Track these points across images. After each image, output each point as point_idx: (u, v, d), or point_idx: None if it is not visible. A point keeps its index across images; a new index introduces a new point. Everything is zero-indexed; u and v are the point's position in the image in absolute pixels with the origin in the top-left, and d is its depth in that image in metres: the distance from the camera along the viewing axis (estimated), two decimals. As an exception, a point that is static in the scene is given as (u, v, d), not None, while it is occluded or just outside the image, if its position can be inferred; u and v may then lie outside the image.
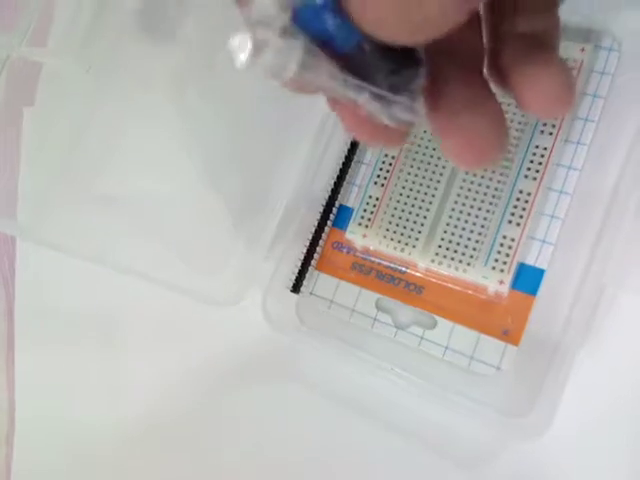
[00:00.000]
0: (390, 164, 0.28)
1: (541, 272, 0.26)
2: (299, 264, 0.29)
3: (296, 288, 0.29)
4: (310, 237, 0.29)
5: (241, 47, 0.13)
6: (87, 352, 0.31)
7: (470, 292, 0.27)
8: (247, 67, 0.13)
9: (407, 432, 0.27)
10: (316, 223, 0.29)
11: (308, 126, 0.30)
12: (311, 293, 0.29)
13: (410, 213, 0.27)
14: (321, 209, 0.29)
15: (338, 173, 0.29)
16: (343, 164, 0.29)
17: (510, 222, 0.26)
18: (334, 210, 0.29)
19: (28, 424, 0.31)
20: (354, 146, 0.30)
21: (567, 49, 0.27)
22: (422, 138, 0.28)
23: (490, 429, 0.25)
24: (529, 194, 0.26)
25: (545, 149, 0.26)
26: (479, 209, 0.26)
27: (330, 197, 0.29)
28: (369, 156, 0.29)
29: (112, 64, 0.29)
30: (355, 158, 0.30)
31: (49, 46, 0.28)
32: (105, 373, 0.31)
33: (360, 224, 0.28)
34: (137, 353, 0.30)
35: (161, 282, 0.28)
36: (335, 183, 0.29)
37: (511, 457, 0.25)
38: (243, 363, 0.29)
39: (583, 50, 0.27)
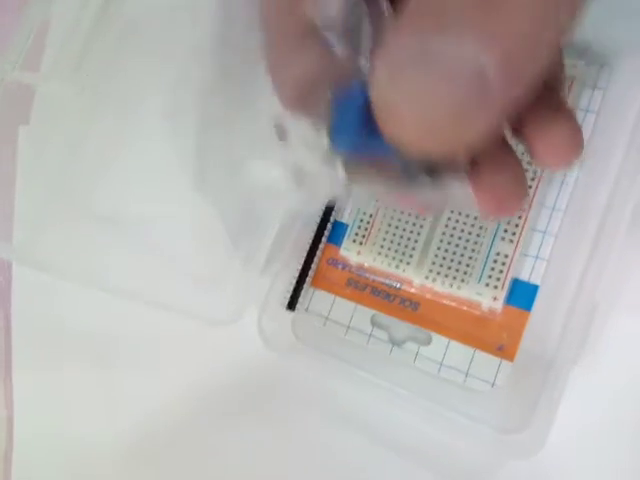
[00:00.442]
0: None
1: (535, 288, 0.26)
2: (294, 281, 0.29)
3: (291, 305, 0.29)
4: (305, 254, 0.29)
5: (283, 180, 0.14)
6: (84, 370, 0.31)
7: (465, 308, 0.27)
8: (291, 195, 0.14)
9: (403, 449, 0.27)
10: (311, 240, 0.29)
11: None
12: (307, 310, 0.29)
13: (404, 230, 0.27)
14: (316, 226, 0.29)
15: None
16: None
17: (503, 239, 0.26)
18: (329, 226, 0.30)
19: (26, 441, 0.31)
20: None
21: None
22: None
23: (486, 446, 0.26)
24: (522, 210, 0.26)
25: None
26: (472, 226, 0.26)
27: (325, 214, 0.29)
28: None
29: (105, 85, 0.29)
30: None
31: (42, 70, 0.28)
32: (102, 391, 0.31)
33: (354, 241, 0.28)
34: (134, 371, 0.31)
35: (157, 303, 0.28)
36: (328, 204, 0.29)
37: (507, 474, 0.25)
38: (239, 381, 0.29)
39: (575, 66, 0.27)
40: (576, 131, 0.17)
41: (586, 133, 0.27)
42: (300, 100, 0.15)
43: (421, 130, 0.12)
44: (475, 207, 0.16)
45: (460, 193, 0.15)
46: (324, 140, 0.14)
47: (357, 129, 0.13)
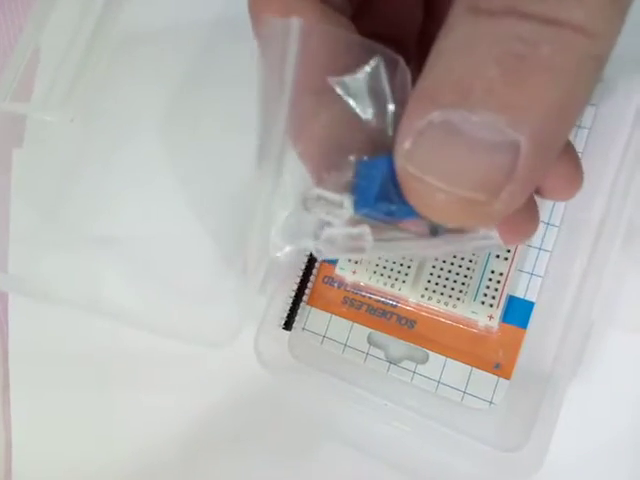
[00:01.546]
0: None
1: (530, 305, 0.26)
2: (290, 301, 0.29)
3: (288, 325, 0.29)
4: (301, 273, 0.29)
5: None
6: (82, 393, 0.31)
7: (461, 326, 0.27)
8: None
9: (402, 467, 0.27)
10: (306, 259, 0.29)
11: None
12: (303, 329, 0.29)
13: (399, 248, 0.27)
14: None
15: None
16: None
17: (498, 256, 0.26)
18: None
19: (25, 464, 0.31)
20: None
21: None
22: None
23: (484, 464, 0.25)
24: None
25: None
26: (467, 244, 0.26)
27: (320, 232, 0.29)
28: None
29: (98, 109, 0.29)
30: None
31: (32, 100, 0.28)
32: (99, 413, 0.31)
33: (350, 260, 0.28)
34: (131, 394, 0.31)
35: (153, 329, 0.28)
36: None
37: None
38: (236, 402, 0.29)
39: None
40: (579, 165, 0.17)
41: (579, 149, 0.27)
42: (324, 160, 0.15)
43: (448, 204, 0.12)
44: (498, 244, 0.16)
45: (487, 242, 0.15)
46: (349, 205, 0.14)
47: (381, 195, 0.13)
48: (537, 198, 0.18)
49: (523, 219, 0.17)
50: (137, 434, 0.30)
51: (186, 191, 0.30)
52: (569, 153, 0.17)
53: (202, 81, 0.30)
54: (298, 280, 0.29)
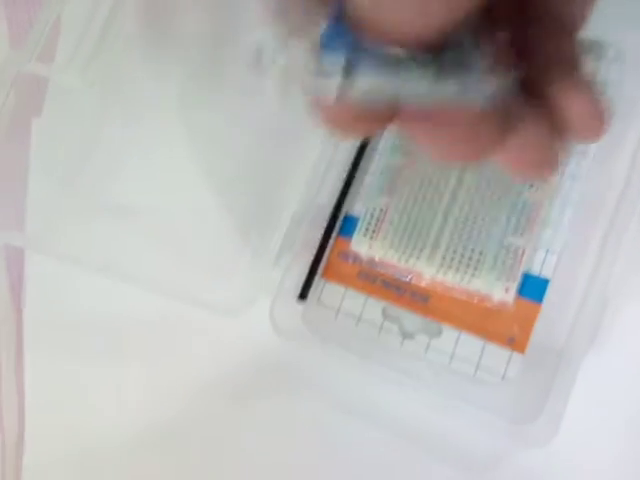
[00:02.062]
0: (396, 173, 0.28)
1: (546, 281, 0.26)
2: (306, 272, 0.29)
3: (303, 295, 0.29)
4: (317, 246, 0.29)
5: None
6: (96, 359, 0.31)
7: (476, 301, 0.27)
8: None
9: (414, 439, 0.27)
10: (322, 232, 0.30)
11: (314, 137, 0.30)
12: (318, 301, 0.29)
13: (416, 223, 0.28)
14: (327, 218, 0.30)
15: (344, 183, 0.30)
16: (349, 174, 0.30)
17: (515, 231, 0.26)
18: (340, 219, 0.30)
19: (37, 430, 0.31)
20: (360, 156, 0.30)
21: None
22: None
23: (497, 437, 0.26)
24: (533, 204, 0.26)
25: (549, 159, 0.26)
26: (484, 219, 0.27)
27: (336, 207, 0.30)
28: (374, 166, 0.30)
29: (119, 78, 0.29)
30: (361, 168, 0.30)
31: (56, 62, 0.28)
32: (114, 379, 0.31)
33: (365, 235, 0.28)
34: (145, 361, 0.31)
35: (169, 292, 0.28)
36: (341, 193, 0.30)
37: (518, 464, 0.26)
38: (250, 371, 0.30)
39: (586, 62, 0.27)
40: (599, 101, 0.17)
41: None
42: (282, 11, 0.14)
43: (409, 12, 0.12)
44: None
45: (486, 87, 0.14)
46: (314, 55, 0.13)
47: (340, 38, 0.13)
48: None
49: (533, 146, 0.16)
50: (151, 398, 0.30)
51: (204, 162, 0.30)
52: (586, 82, 0.17)
53: (222, 52, 0.30)
54: (313, 253, 0.29)
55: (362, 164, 0.30)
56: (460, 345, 0.27)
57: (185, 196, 0.30)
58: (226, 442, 0.29)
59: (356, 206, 0.30)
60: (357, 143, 0.30)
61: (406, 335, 0.28)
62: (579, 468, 0.25)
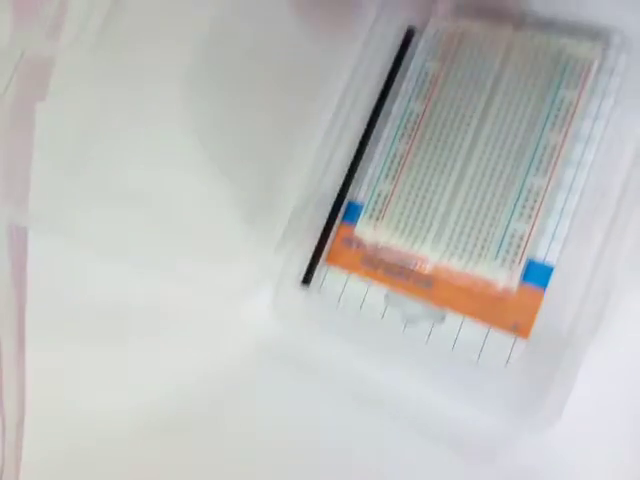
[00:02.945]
0: (400, 159, 0.28)
1: (550, 268, 0.26)
2: (309, 258, 0.29)
3: (306, 281, 0.29)
4: (320, 232, 0.29)
5: None
6: (99, 344, 0.31)
7: (479, 286, 0.27)
8: None
9: (416, 426, 0.27)
10: (326, 218, 0.29)
11: (319, 122, 0.30)
12: (320, 287, 0.29)
13: (420, 208, 0.28)
14: (331, 204, 0.30)
15: (348, 168, 0.30)
16: (353, 160, 0.30)
17: (520, 217, 0.26)
18: (344, 205, 0.30)
19: (38, 415, 0.31)
20: (364, 142, 0.30)
21: (576, 47, 0.27)
22: (432, 134, 0.28)
23: (500, 422, 0.26)
24: (539, 189, 0.26)
25: (555, 145, 0.26)
26: (489, 204, 0.27)
27: (340, 192, 0.30)
28: (379, 153, 0.30)
29: (125, 60, 0.29)
30: (365, 154, 0.30)
31: (62, 41, 0.28)
32: (116, 365, 0.31)
33: (370, 219, 0.28)
34: (148, 345, 0.31)
35: (171, 276, 0.28)
36: (345, 178, 0.30)
37: (521, 450, 0.26)
38: (252, 357, 0.29)
39: (593, 48, 0.27)
40: None
41: (603, 116, 0.27)
42: None
43: None
44: None
45: None
46: None
47: None
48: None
49: None
50: (153, 382, 0.30)
51: (208, 146, 0.30)
52: None
53: (229, 35, 0.30)
54: (317, 239, 0.29)
55: (367, 151, 0.30)
56: (463, 331, 0.27)
57: (188, 181, 0.30)
58: (227, 427, 0.29)
59: (360, 193, 0.30)
60: (362, 129, 0.30)
61: (409, 321, 0.28)
62: (582, 454, 0.25)
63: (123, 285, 0.31)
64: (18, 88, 0.29)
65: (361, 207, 0.29)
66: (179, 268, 0.28)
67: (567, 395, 0.24)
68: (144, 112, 0.30)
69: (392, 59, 0.30)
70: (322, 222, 0.30)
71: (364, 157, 0.30)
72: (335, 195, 0.30)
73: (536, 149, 0.26)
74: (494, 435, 0.26)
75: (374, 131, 0.30)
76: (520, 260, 0.26)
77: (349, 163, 0.30)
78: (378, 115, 0.30)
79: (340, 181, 0.30)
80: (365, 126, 0.30)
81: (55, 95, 0.30)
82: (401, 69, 0.30)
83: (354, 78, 0.30)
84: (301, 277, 0.29)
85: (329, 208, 0.30)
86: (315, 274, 0.29)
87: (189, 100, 0.30)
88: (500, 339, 0.26)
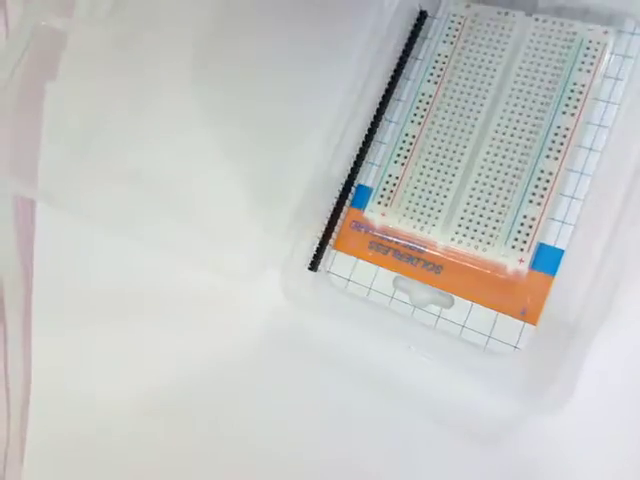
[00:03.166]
0: (411, 143, 0.28)
1: (560, 252, 0.26)
2: (317, 242, 0.29)
3: (314, 266, 0.29)
4: (328, 216, 0.29)
5: None
6: (106, 325, 0.31)
7: (489, 271, 0.27)
8: None
9: (425, 409, 0.27)
10: (335, 202, 0.29)
11: (328, 106, 0.30)
12: (328, 271, 0.29)
13: (430, 192, 0.27)
14: (340, 188, 0.29)
15: (357, 152, 0.30)
16: (363, 144, 0.30)
17: (531, 201, 0.26)
18: (353, 190, 0.30)
19: (43, 396, 0.31)
20: (374, 126, 0.30)
21: (590, 31, 0.27)
22: (444, 118, 0.28)
23: (508, 406, 0.26)
24: (550, 174, 0.26)
25: (567, 129, 0.26)
26: (500, 188, 0.26)
27: (349, 176, 0.29)
28: (389, 136, 0.30)
29: (136, 39, 0.29)
30: (375, 138, 0.30)
31: (74, 18, 0.28)
32: (124, 347, 0.31)
33: (379, 202, 0.28)
34: (155, 327, 0.31)
35: (180, 256, 0.28)
36: (354, 163, 0.30)
37: (529, 434, 0.25)
38: (260, 339, 0.29)
39: (606, 33, 0.27)
40: None
41: (616, 100, 0.27)
42: None
43: None
44: None
45: None
46: None
47: None
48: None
49: None
50: (160, 364, 0.30)
51: (218, 130, 0.30)
52: None
53: (239, 16, 0.30)
54: (325, 224, 0.29)
55: (376, 135, 0.30)
56: (472, 316, 0.27)
57: (197, 163, 0.30)
58: (235, 406, 0.29)
59: (370, 177, 0.30)
60: (372, 113, 0.30)
61: (417, 306, 0.28)
62: (589, 438, 0.25)
63: (130, 265, 0.31)
64: (29, 66, 0.28)
65: (370, 191, 0.29)
66: (187, 249, 0.27)
67: (575, 380, 0.24)
68: (154, 93, 0.30)
69: (404, 43, 0.30)
70: (331, 206, 0.29)
71: (374, 141, 0.30)
72: (344, 179, 0.30)
73: (548, 133, 0.26)
74: (501, 419, 0.26)
75: (385, 115, 0.30)
76: (530, 244, 0.26)
77: (359, 147, 0.30)
78: (389, 99, 0.30)
79: (349, 165, 0.29)
80: (375, 110, 0.29)
81: (65, 74, 0.30)
82: (413, 53, 0.30)
83: (365, 61, 0.30)
84: (309, 261, 0.29)
85: (338, 192, 0.30)
86: (323, 259, 0.29)
87: (199, 82, 0.30)
88: (508, 325, 0.26)
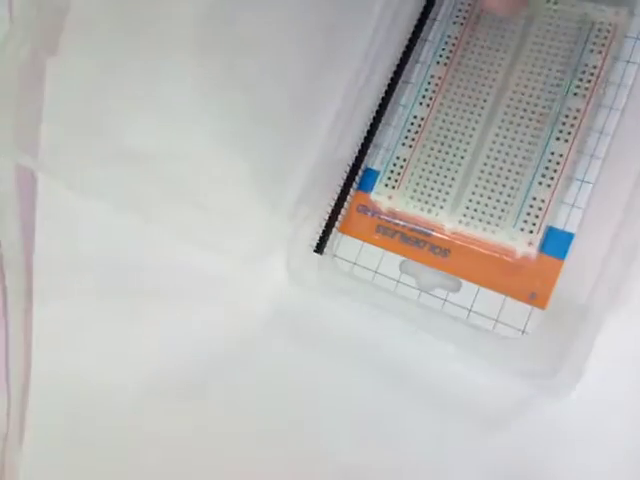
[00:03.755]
0: (419, 125, 0.28)
1: (570, 236, 0.26)
2: (323, 225, 0.29)
3: (320, 248, 0.28)
4: (335, 198, 0.29)
5: None
6: (108, 306, 0.31)
7: (497, 255, 0.26)
8: None
9: (431, 394, 0.27)
10: (341, 184, 0.29)
11: (335, 88, 0.30)
12: (334, 255, 0.29)
13: (438, 174, 0.27)
14: (347, 170, 0.29)
15: (365, 135, 0.29)
16: (370, 126, 0.29)
17: (540, 184, 0.26)
18: (360, 173, 0.29)
19: (43, 378, 0.31)
20: (382, 109, 0.29)
21: (601, 13, 0.27)
22: (452, 100, 0.28)
23: (516, 390, 0.25)
24: (560, 156, 0.26)
25: (578, 111, 0.26)
26: (509, 170, 0.26)
27: (356, 159, 0.29)
28: (397, 119, 0.29)
29: (138, 15, 0.29)
30: (383, 121, 0.29)
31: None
32: (124, 328, 0.30)
33: (387, 185, 0.28)
34: (158, 310, 0.30)
35: (184, 237, 0.27)
36: (362, 145, 0.29)
37: (536, 418, 0.25)
38: (265, 321, 0.29)
39: (617, 14, 0.27)
40: None
41: (627, 83, 0.26)
42: None
43: None
44: None
45: None
46: None
47: None
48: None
49: None
50: (163, 347, 0.30)
51: (222, 110, 0.30)
52: None
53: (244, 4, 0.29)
54: (331, 206, 0.29)
55: (384, 117, 0.29)
56: (479, 300, 0.26)
57: (203, 143, 0.30)
58: (239, 389, 0.29)
59: (377, 160, 0.29)
60: (380, 95, 0.29)
61: (424, 289, 0.27)
62: (595, 424, 0.25)
63: (133, 245, 0.30)
64: (31, 41, 0.28)
65: (377, 174, 0.28)
66: (191, 230, 0.27)
67: (582, 367, 0.24)
68: (157, 71, 0.29)
69: (413, 24, 0.29)
70: (337, 189, 0.29)
71: (382, 123, 0.29)
72: (351, 162, 0.29)
73: (558, 115, 0.26)
74: (509, 402, 0.26)
75: (393, 97, 0.29)
76: (540, 227, 0.25)
77: (366, 129, 0.29)
78: (397, 81, 0.29)
79: (357, 148, 0.29)
80: (384, 92, 0.29)
81: (66, 49, 0.30)
82: (422, 34, 0.29)
83: (374, 43, 0.29)
84: (315, 244, 0.29)
85: (345, 175, 0.29)
86: (329, 242, 0.29)
87: (204, 62, 0.30)
88: (517, 308, 0.26)
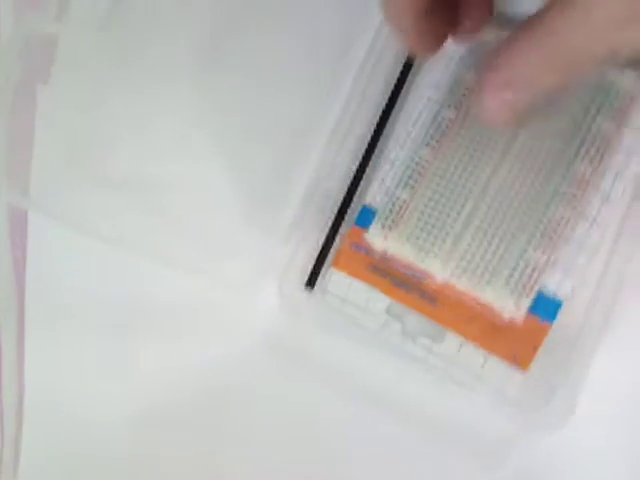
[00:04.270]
0: (423, 167, 0.27)
1: (559, 303, 0.25)
2: (314, 259, 0.28)
3: (311, 283, 0.28)
4: (325, 234, 0.29)
5: None
6: (100, 337, 0.30)
7: (485, 312, 0.26)
8: None
9: (423, 427, 0.27)
10: (332, 220, 0.29)
11: (327, 116, 0.29)
12: (325, 289, 0.29)
13: (436, 222, 0.27)
14: (338, 204, 0.29)
15: (357, 168, 0.29)
16: (361, 162, 0.29)
17: (536, 248, 0.25)
18: (356, 208, 0.29)
19: (37, 408, 0.31)
20: (373, 145, 0.29)
21: (619, 76, 0.26)
22: (461, 143, 0.27)
23: (509, 422, 0.26)
24: (560, 220, 0.25)
25: (583, 175, 0.25)
26: (506, 229, 0.26)
27: (348, 193, 0.29)
28: (394, 156, 0.28)
29: (130, 43, 0.28)
30: (382, 158, 0.29)
31: (68, 22, 0.27)
32: (117, 359, 0.30)
33: (383, 226, 0.27)
34: (151, 339, 0.30)
35: (174, 265, 0.27)
36: (354, 179, 0.29)
37: (530, 451, 0.26)
38: (256, 351, 0.29)
39: (636, 79, 0.26)
40: None
41: (636, 152, 0.26)
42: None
43: None
44: None
45: None
46: None
47: None
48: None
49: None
50: (157, 376, 0.29)
51: (213, 136, 0.29)
52: None
53: (238, 18, 0.29)
54: (322, 241, 0.29)
55: (383, 154, 0.29)
56: (462, 353, 0.26)
57: (193, 169, 0.29)
58: (232, 420, 0.29)
59: (376, 198, 0.29)
60: (371, 130, 0.29)
61: (408, 335, 0.27)
62: (591, 453, 0.25)
63: (124, 276, 0.30)
64: (22, 70, 0.28)
65: (375, 212, 0.28)
66: (181, 258, 0.27)
67: (576, 395, 0.24)
68: (148, 97, 0.29)
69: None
70: (328, 223, 0.29)
71: (380, 160, 0.29)
72: (343, 194, 0.29)
73: (563, 180, 0.26)
74: (502, 435, 0.26)
75: (392, 135, 0.29)
76: (530, 291, 0.25)
77: (357, 165, 0.29)
78: (386, 121, 0.29)
79: (348, 180, 0.29)
80: (373, 131, 0.29)
81: (57, 78, 0.29)
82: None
83: (366, 70, 0.29)
84: (306, 276, 0.28)
85: (336, 208, 0.29)
86: (320, 276, 0.29)
87: (196, 90, 0.29)
88: (498, 367, 0.26)
